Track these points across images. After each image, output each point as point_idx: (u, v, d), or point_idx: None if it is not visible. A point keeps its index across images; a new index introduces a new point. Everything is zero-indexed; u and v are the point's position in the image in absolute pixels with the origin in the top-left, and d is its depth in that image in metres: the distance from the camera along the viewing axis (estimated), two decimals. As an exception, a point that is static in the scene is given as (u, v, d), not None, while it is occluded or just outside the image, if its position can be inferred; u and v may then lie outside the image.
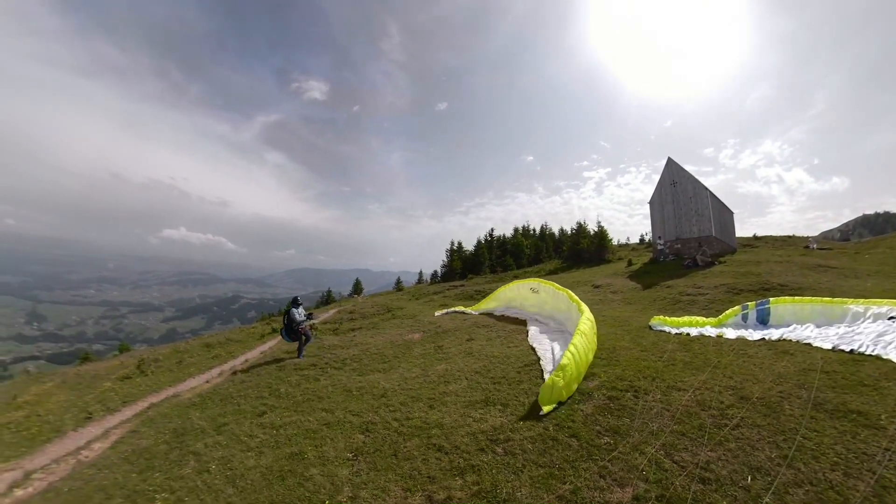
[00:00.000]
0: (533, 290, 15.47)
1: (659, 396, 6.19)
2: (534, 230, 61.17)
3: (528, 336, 11.25)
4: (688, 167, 36.36)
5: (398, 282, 54.01)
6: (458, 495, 4.45)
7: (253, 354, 14.69)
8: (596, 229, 41.01)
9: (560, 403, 6.35)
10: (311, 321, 13.39)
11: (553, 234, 60.21)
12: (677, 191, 32.54)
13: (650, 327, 11.40)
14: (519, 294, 16.75)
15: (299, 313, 12.35)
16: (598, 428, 5.45)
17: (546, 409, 6.18)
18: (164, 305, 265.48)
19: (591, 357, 8.06)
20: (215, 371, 12.56)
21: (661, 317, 11.87)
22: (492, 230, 56.51)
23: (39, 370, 20.69)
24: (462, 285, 33.75)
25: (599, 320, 12.53)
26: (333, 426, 6.85)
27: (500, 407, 6.53)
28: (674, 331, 10.57)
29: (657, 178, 34.29)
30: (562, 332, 11.17)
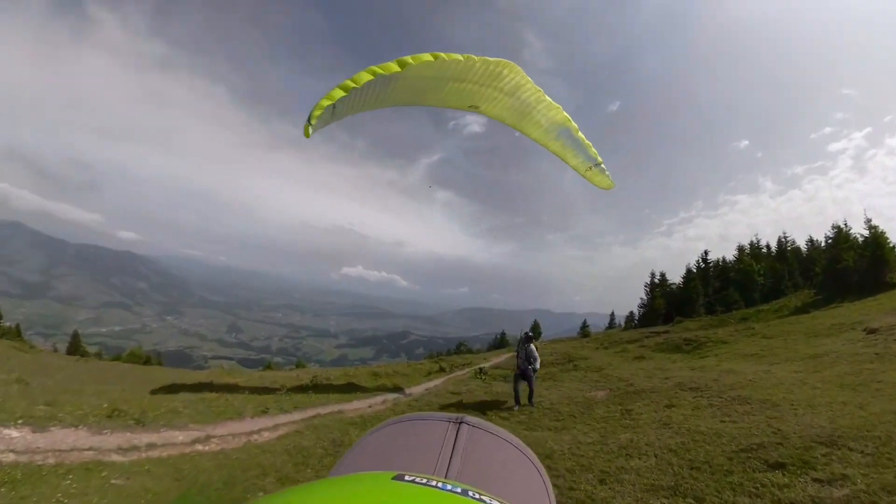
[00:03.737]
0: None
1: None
2: (767, 246, 51.20)
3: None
4: None
5: (584, 326, 52.56)
6: None
7: (417, 390, 16.56)
8: (865, 233, 30.60)
9: None
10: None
11: (798, 248, 49.01)
12: None
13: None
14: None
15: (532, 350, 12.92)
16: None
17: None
18: (339, 333, 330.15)
19: None
20: (379, 398, 14.61)
21: None
22: (705, 253, 49.44)
23: (231, 368, 27.28)
24: (666, 332, 30.85)
25: (873, 390, 9.90)
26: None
27: (692, 501, 5.79)
28: None
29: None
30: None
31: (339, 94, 9.80)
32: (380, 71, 10.88)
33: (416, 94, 13.72)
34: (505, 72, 13.61)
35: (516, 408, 12.19)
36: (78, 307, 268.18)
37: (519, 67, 13.70)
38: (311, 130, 9.42)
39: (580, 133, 15.90)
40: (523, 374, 12.61)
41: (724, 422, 8.99)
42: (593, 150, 16.25)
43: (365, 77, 10.64)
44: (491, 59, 12.99)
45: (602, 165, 16.69)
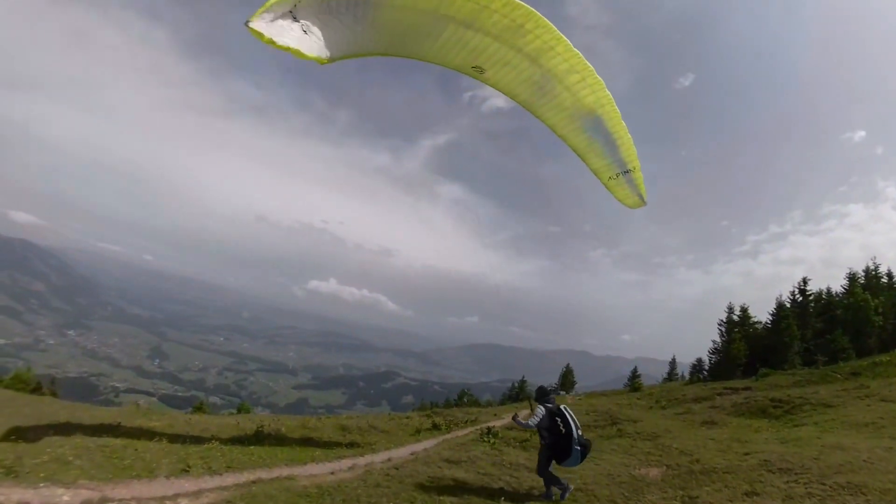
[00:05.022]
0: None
1: None
2: (889, 275, 51.68)
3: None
4: None
5: (634, 375, 52.65)
6: None
7: (400, 453, 16.34)
8: None
9: None
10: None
11: (934, 280, 50.17)
12: None
13: None
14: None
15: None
16: None
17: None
18: (300, 370, 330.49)
19: None
20: (346, 463, 14.41)
21: None
22: (804, 282, 49.82)
23: (150, 407, 27.31)
24: (748, 388, 30.69)
25: None
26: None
27: None
28: None
29: None
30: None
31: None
32: None
33: (404, 37, 13.26)
34: (529, 25, 13.00)
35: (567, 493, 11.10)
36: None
37: (549, 23, 13.08)
38: (261, 25, 8.89)
39: (620, 123, 15.21)
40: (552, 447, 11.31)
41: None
42: (631, 150, 15.74)
43: None
44: (515, 1, 12.39)
45: (633, 173, 16.24)
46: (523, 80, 14.54)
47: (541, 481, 11.76)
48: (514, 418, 12.16)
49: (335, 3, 10.68)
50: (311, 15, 9.98)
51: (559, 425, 10.91)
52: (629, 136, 15.49)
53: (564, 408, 11.23)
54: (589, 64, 14.10)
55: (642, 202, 17.21)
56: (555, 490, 11.17)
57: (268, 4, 8.68)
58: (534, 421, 11.06)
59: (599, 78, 14.40)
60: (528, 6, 12.62)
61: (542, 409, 11.28)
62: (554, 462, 11.16)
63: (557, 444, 10.94)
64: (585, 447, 11.05)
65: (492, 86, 15.18)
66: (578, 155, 16.52)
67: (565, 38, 13.48)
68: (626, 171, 16.16)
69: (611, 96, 14.78)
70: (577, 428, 10.92)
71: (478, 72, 14.37)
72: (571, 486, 11.17)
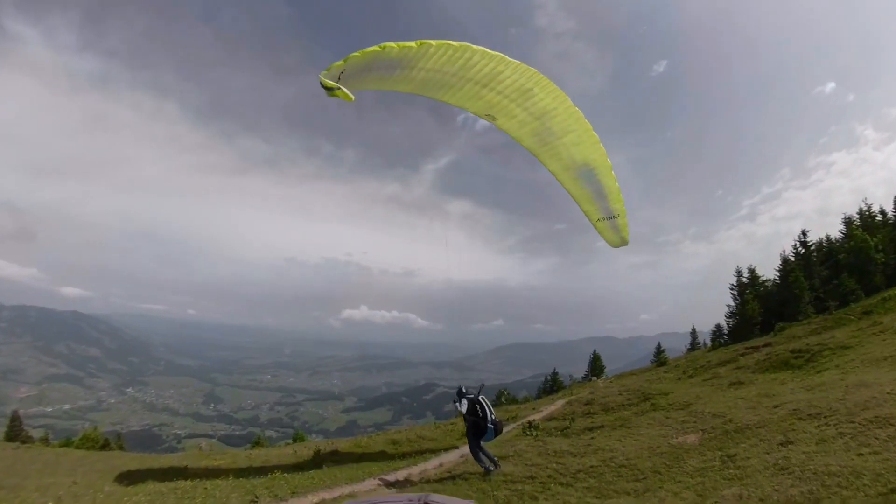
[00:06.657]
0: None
1: None
2: (882, 213, 50.48)
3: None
4: None
5: (659, 351, 52.04)
6: None
7: (451, 457, 16.50)
8: None
9: None
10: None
11: (923, 210, 49.07)
12: None
13: None
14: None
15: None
16: None
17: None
18: (345, 394, 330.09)
19: None
20: (402, 473, 14.49)
21: None
22: (804, 234, 48.70)
23: (211, 448, 27.75)
24: (767, 344, 30.28)
25: None
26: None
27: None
28: None
29: None
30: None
31: (355, 57, 10.98)
32: (395, 49, 11.75)
33: (433, 87, 14.51)
34: (536, 90, 14.35)
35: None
36: (16, 383, 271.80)
37: (556, 87, 14.46)
38: (327, 79, 10.38)
39: (610, 175, 16.56)
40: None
41: (863, 454, 8.62)
42: (617, 199, 17.05)
43: (375, 52, 11.52)
44: (525, 67, 13.68)
45: (618, 219, 17.58)
46: (528, 132, 15.92)
47: (585, 462, 12.21)
48: (454, 401, 14.25)
49: (374, 65, 12.02)
50: (352, 76, 11.33)
51: (478, 410, 13.39)
52: (617, 186, 16.85)
53: (482, 398, 13.75)
54: (587, 123, 15.46)
55: (624, 243, 18.85)
56: (485, 461, 13.27)
57: (330, 69, 10.39)
58: (462, 407, 13.65)
59: (595, 136, 15.77)
60: (538, 73, 13.94)
61: (466, 400, 13.75)
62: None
63: (477, 423, 13.29)
64: (497, 426, 13.46)
65: (502, 130, 16.41)
66: (573, 198, 17.83)
67: (569, 100, 14.85)
68: (612, 217, 17.63)
69: (604, 152, 16.12)
70: (490, 413, 13.43)
71: (491, 119, 15.70)
72: (500, 466, 13.30)
